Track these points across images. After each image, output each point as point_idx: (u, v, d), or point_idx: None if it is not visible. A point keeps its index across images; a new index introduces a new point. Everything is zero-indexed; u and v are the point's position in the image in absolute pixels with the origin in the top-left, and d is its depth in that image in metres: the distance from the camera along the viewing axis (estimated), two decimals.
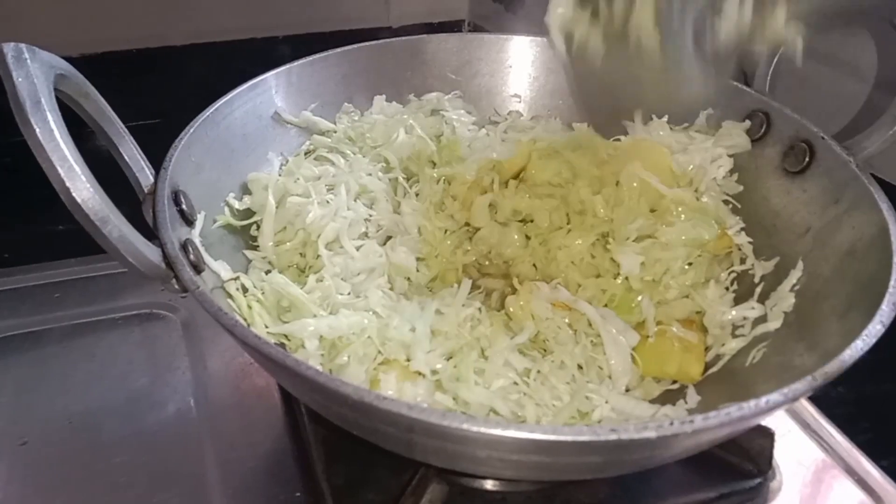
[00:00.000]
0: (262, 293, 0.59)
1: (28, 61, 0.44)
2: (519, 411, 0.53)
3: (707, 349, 0.61)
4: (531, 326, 0.59)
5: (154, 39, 1.14)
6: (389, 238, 0.68)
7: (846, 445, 0.67)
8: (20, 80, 0.43)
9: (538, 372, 0.56)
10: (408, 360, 0.55)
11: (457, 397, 0.53)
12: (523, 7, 1.17)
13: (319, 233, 0.63)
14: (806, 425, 0.68)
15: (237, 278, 0.58)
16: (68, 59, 1.04)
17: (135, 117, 1.13)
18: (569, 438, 0.38)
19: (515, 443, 0.38)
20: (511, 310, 0.61)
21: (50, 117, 0.43)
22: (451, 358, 0.56)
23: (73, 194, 0.42)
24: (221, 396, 0.69)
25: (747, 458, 0.61)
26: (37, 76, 0.44)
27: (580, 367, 0.57)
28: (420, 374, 0.54)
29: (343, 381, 0.40)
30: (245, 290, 0.61)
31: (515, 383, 0.54)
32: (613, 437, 0.38)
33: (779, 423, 0.66)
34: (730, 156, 0.70)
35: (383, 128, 0.74)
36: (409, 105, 0.80)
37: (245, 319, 0.58)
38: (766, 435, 0.61)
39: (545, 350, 0.59)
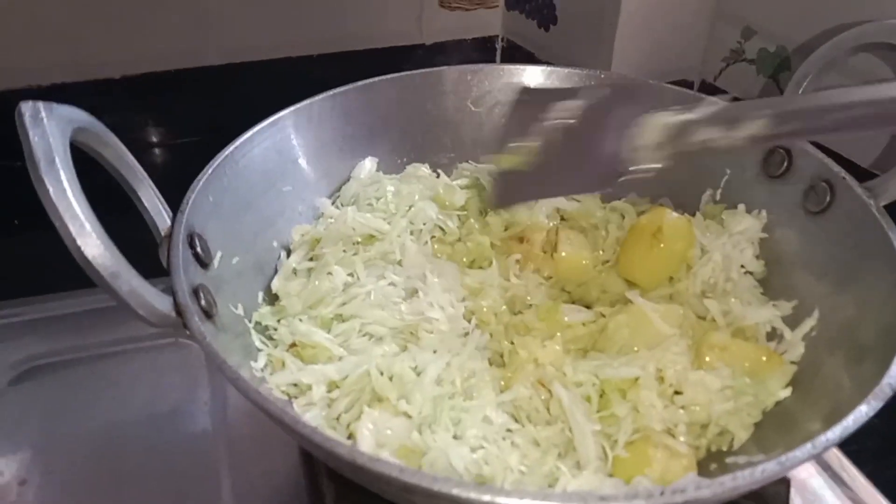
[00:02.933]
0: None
1: (45, 120, 0.45)
2: (478, 469, 0.52)
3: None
4: (518, 390, 0.58)
5: (191, 59, 1.16)
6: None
7: (868, 488, 0.65)
8: (36, 139, 0.44)
9: (510, 431, 0.56)
10: (398, 398, 0.56)
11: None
12: (557, 25, 1.17)
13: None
14: (827, 467, 0.67)
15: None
16: (110, 81, 1.11)
17: (173, 136, 1.19)
18: None
19: None
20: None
21: (63, 176, 0.44)
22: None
23: (84, 251, 0.44)
24: (239, 426, 0.70)
25: (762, 502, 0.60)
26: (52, 134, 0.45)
27: (556, 446, 0.56)
28: (407, 414, 0.55)
29: (337, 441, 0.41)
30: (266, 328, 0.63)
31: (485, 439, 0.54)
32: None
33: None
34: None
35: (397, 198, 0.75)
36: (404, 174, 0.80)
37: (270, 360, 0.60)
38: (782, 481, 0.60)
39: (528, 418, 0.58)
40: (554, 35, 1.18)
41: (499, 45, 1.34)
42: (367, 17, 1.22)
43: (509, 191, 0.64)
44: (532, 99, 0.66)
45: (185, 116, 1.20)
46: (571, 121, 0.61)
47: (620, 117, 0.58)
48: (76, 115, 0.50)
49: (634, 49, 1.05)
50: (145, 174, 0.58)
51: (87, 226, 0.44)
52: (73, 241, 0.44)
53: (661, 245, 0.67)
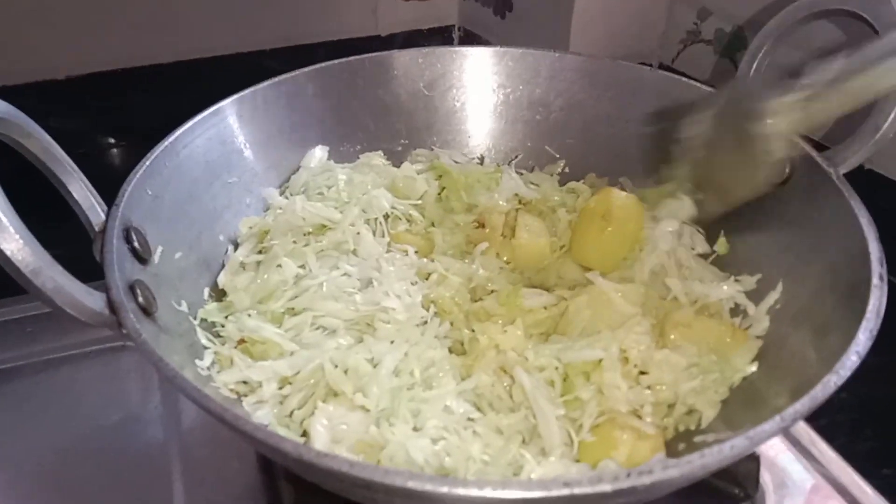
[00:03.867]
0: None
1: None
2: (439, 461, 0.50)
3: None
4: (480, 377, 0.56)
5: (141, 58, 1.13)
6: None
7: (839, 462, 0.64)
8: None
9: (471, 420, 0.54)
10: (354, 392, 0.53)
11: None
12: (512, 11, 1.15)
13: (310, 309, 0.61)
14: (797, 442, 0.66)
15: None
16: (53, 82, 1.07)
17: (122, 137, 1.16)
18: (513, 495, 0.36)
19: (458, 499, 0.37)
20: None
21: None
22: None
23: (1, 247, 0.41)
24: (193, 431, 0.67)
25: (733, 481, 0.59)
26: None
27: (519, 433, 0.54)
28: (364, 408, 0.53)
29: (283, 437, 0.39)
30: (213, 325, 0.60)
31: (446, 430, 0.52)
32: (566, 491, 0.36)
33: (768, 441, 0.64)
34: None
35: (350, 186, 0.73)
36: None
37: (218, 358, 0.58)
38: (752, 458, 0.59)
39: (491, 406, 0.56)
40: (510, 22, 1.16)
41: (456, 35, 1.32)
42: (322, 10, 1.20)
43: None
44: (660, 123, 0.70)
45: (137, 116, 1.16)
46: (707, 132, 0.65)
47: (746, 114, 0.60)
48: None
49: (591, 33, 1.04)
50: (75, 167, 0.54)
51: (4, 220, 0.41)
52: None
53: (610, 228, 0.66)
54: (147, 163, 0.59)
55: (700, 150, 0.66)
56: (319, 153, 0.75)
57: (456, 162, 0.78)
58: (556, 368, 0.57)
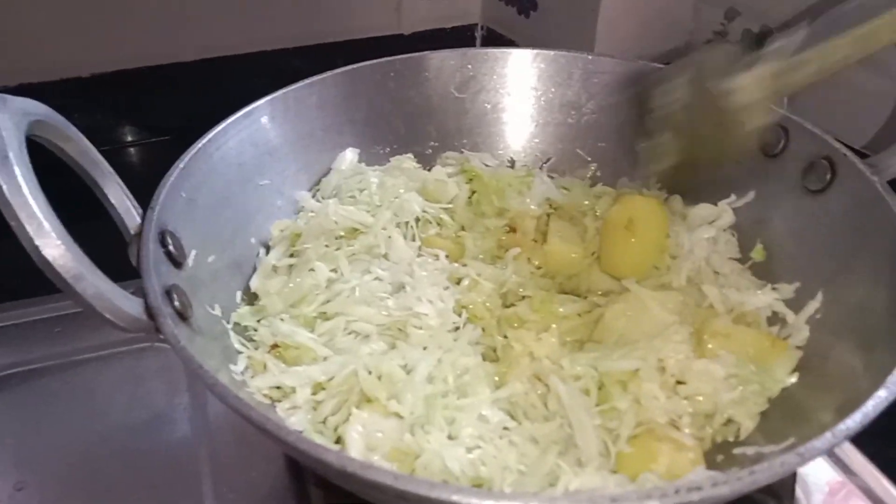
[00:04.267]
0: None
1: None
2: (475, 471, 0.50)
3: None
4: (515, 385, 0.56)
5: (165, 56, 1.13)
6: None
7: (873, 471, 0.63)
8: None
9: (507, 429, 0.53)
10: (388, 398, 0.53)
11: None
12: (537, 11, 1.15)
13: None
14: (831, 452, 0.65)
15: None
16: (79, 80, 1.07)
17: (146, 134, 1.16)
18: None
19: None
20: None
21: (18, 171, 0.41)
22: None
23: (43, 252, 0.41)
24: (222, 432, 0.67)
25: (768, 491, 0.58)
26: (5, 127, 0.42)
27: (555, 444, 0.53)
28: (398, 414, 0.52)
29: (325, 447, 0.38)
30: (245, 329, 0.60)
31: (482, 439, 0.52)
32: None
33: None
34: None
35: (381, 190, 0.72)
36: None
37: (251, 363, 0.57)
38: None
39: (525, 415, 0.56)
40: (534, 21, 1.16)
41: (479, 34, 1.31)
42: (344, 8, 1.19)
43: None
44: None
45: (160, 114, 1.16)
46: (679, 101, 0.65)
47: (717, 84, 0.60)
48: (33, 108, 0.46)
49: (617, 33, 1.03)
50: (111, 170, 0.54)
51: (46, 225, 0.41)
52: (31, 241, 0.40)
53: (634, 239, 0.66)
54: (181, 165, 0.58)
55: (673, 120, 0.66)
56: (350, 155, 0.75)
57: (487, 165, 0.78)
58: (593, 378, 0.56)
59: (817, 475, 0.62)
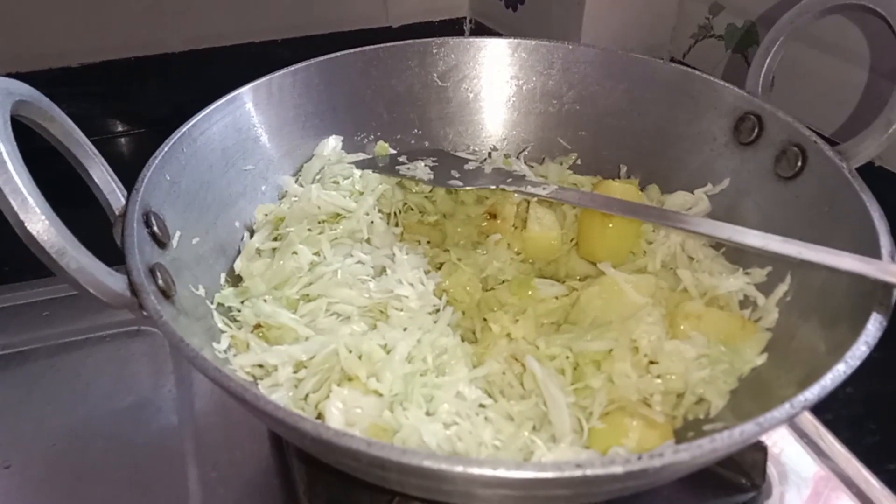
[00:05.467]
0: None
1: None
2: (451, 446, 0.51)
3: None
4: (493, 364, 0.57)
5: (153, 47, 1.14)
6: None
7: (846, 454, 0.65)
8: None
9: (483, 406, 0.55)
10: (368, 377, 0.54)
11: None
12: (524, 4, 1.16)
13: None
14: (803, 434, 0.67)
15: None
16: (68, 69, 1.08)
17: (135, 124, 1.16)
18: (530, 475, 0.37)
19: (472, 480, 0.37)
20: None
21: (2, 148, 0.42)
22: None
23: (27, 227, 0.42)
24: (206, 415, 0.68)
25: (740, 471, 0.60)
26: None
27: (530, 420, 0.55)
28: (377, 392, 0.53)
29: (302, 416, 0.39)
30: (229, 310, 0.61)
31: (458, 415, 0.53)
32: (578, 473, 0.37)
33: (775, 433, 0.65)
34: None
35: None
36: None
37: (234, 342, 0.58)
38: (759, 448, 0.59)
39: (502, 393, 0.57)
40: (521, 15, 1.17)
41: (467, 27, 1.32)
42: (333, 1, 1.20)
43: None
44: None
45: (149, 105, 1.17)
46: None
47: None
48: (16, 87, 0.47)
49: (603, 27, 1.04)
50: (96, 151, 0.55)
51: (31, 200, 0.42)
52: (16, 216, 0.41)
53: (612, 224, 0.67)
54: (166, 148, 0.59)
55: None
56: (333, 142, 0.76)
57: None
58: (567, 357, 0.57)
59: (803, 469, 0.63)
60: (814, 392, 0.41)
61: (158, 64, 1.14)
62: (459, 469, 0.37)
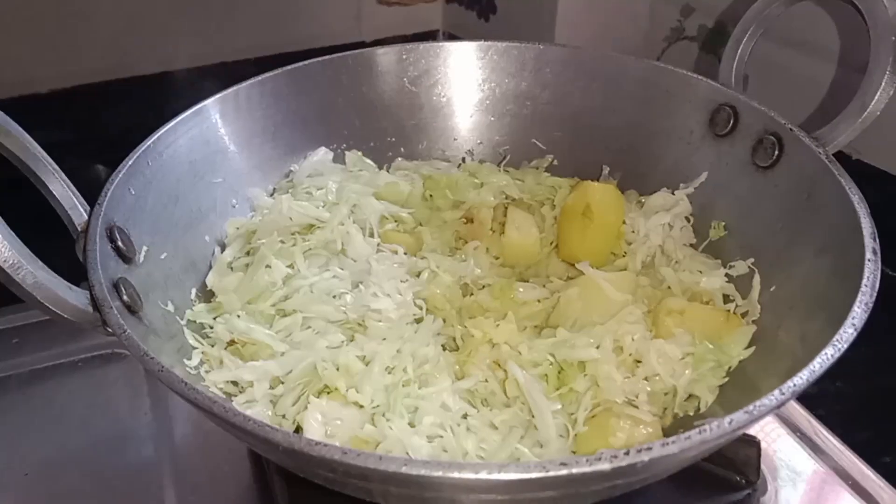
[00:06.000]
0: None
1: None
2: (436, 458, 0.50)
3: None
4: (478, 376, 0.56)
5: (123, 70, 1.12)
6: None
7: (840, 448, 0.64)
8: None
9: (465, 417, 0.54)
10: (348, 388, 0.53)
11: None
12: (496, 14, 1.16)
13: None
14: (797, 429, 0.65)
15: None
16: (37, 96, 1.06)
17: (106, 149, 1.14)
18: (513, 477, 0.35)
19: (456, 485, 0.36)
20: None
21: None
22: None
23: None
24: (184, 438, 0.67)
25: (733, 468, 0.59)
26: None
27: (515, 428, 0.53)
28: (357, 404, 0.52)
29: (273, 427, 0.38)
30: (201, 326, 0.60)
31: (442, 427, 0.52)
32: (564, 471, 0.35)
33: (768, 429, 0.64)
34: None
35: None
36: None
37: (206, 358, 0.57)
38: (752, 444, 0.58)
39: (484, 402, 0.56)
40: (494, 24, 1.17)
41: (441, 39, 1.32)
42: (304, 18, 1.20)
43: None
44: None
45: (122, 129, 1.15)
46: None
47: None
48: None
49: (575, 35, 1.04)
50: (56, 166, 0.53)
51: None
52: None
53: (592, 224, 0.66)
54: (129, 162, 0.58)
55: None
56: (322, 154, 0.75)
57: (438, 170, 0.78)
58: (551, 364, 0.56)
59: (798, 465, 0.63)
60: (803, 377, 0.40)
61: (130, 87, 1.13)
62: (439, 474, 0.36)
